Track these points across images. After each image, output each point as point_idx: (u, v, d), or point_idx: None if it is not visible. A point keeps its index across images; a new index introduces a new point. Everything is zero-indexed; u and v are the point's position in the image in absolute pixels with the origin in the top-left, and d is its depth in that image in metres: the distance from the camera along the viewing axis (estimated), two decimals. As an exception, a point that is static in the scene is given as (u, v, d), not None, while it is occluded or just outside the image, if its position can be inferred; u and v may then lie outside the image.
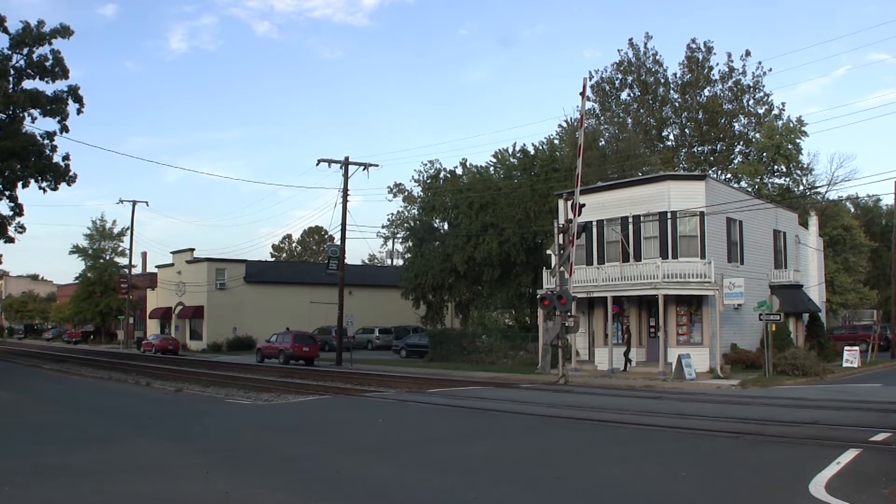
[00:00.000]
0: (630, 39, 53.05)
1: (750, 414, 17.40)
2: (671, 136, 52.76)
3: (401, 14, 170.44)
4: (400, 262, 64.85)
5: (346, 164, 42.27)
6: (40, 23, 37.78)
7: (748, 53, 52.45)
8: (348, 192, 42.50)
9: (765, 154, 46.70)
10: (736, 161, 50.38)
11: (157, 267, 69.10)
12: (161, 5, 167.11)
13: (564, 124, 48.16)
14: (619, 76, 51.82)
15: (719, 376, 28.64)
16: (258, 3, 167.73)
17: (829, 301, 46.93)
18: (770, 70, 57.05)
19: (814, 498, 9.10)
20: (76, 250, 71.06)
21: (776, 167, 47.16)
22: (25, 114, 38.94)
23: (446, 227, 48.61)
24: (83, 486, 10.16)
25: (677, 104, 51.45)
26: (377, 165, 44.35)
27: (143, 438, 14.77)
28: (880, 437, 13.54)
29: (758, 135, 48.77)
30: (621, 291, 31.51)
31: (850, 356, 32.28)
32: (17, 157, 37.51)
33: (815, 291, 40.17)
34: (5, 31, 37.42)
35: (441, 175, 48.82)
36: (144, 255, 78.98)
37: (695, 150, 50.48)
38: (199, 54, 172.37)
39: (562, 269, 28.06)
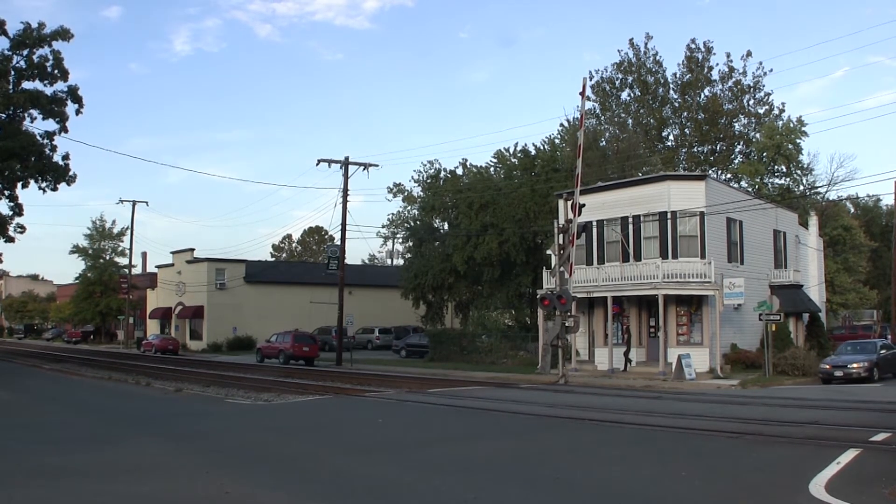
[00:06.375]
0: (630, 39, 53.10)
1: (750, 414, 17.40)
2: (671, 137, 52.75)
3: (401, 17, 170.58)
4: (400, 262, 64.84)
5: (346, 164, 42.25)
6: (41, 24, 37.76)
7: (749, 54, 52.36)
8: (348, 192, 42.51)
9: (765, 154, 46.69)
10: (736, 161, 50.36)
11: (157, 267, 69.09)
12: (165, 8, 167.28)
13: (566, 124, 48.14)
14: (620, 76, 51.78)
15: (719, 376, 28.64)
16: (260, 6, 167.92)
17: (829, 301, 46.92)
18: (770, 70, 57.01)
19: (814, 498, 9.09)
20: (76, 250, 71.03)
21: (776, 167, 47.16)
22: (25, 114, 38.93)
23: (446, 227, 48.59)
24: (83, 487, 10.16)
25: (677, 104, 51.42)
26: (377, 165, 44.36)
27: (142, 438, 14.77)
28: (880, 437, 13.53)
29: (758, 135, 48.76)
30: (621, 291, 31.50)
31: (850, 356, 32.23)
32: (17, 157, 37.46)
33: (815, 291, 40.16)
34: (4, 33, 37.40)
35: (441, 175, 48.81)
36: (144, 255, 79.07)
37: (695, 150, 50.46)
38: (202, 56, 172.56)
39: (562, 269, 28.05)
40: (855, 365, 26.85)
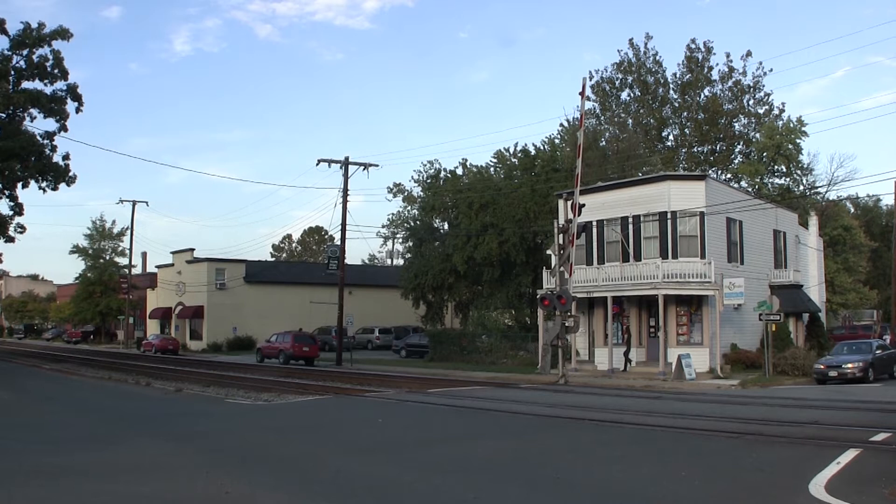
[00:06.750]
0: (630, 39, 53.04)
1: (750, 414, 17.40)
2: (671, 137, 52.74)
3: (401, 17, 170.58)
4: (400, 262, 64.85)
5: (346, 164, 42.25)
6: (40, 24, 37.82)
7: (749, 54, 52.33)
8: (348, 192, 42.51)
9: (765, 154, 46.70)
10: (736, 161, 50.35)
11: (157, 267, 69.10)
12: (165, 8, 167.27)
13: (566, 123, 48.16)
14: (620, 76, 51.76)
15: (719, 376, 28.64)
16: (260, 6, 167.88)
17: (829, 301, 46.91)
18: (770, 70, 56.98)
19: (814, 498, 9.09)
20: (76, 250, 71.03)
21: (776, 167, 47.16)
22: (25, 114, 38.96)
23: (446, 227, 48.61)
24: (83, 487, 10.16)
25: (677, 104, 51.41)
26: (377, 165, 44.38)
27: (142, 438, 14.77)
28: (880, 437, 13.53)
29: (758, 135, 48.75)
30: (621, 291, 31.50)
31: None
32: (17, 157, 37.49)
33: (815, 291, 40.17)
34: (4, 32, 37.42)
35: (441, 175, 48.83)
36: (144, 255, 79.04)
37: (695, 150, 50.44)
38: (202, 56, 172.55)
39: (562, 269, 28.05)
40: (850, 365, 26.65)
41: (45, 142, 39.20)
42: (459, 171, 48.31)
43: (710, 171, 45.39)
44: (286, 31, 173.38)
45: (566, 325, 27.34)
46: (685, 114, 51.02)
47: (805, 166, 47.89)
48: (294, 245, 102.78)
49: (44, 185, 39.75)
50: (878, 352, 28.50)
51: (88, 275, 71.20)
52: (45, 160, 39.21)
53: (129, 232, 67.36)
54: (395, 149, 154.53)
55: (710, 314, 30.17)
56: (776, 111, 49.94)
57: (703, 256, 30.51)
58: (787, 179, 47.98)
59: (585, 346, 34.58)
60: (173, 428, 16.60)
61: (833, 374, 26.75)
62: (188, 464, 11.92)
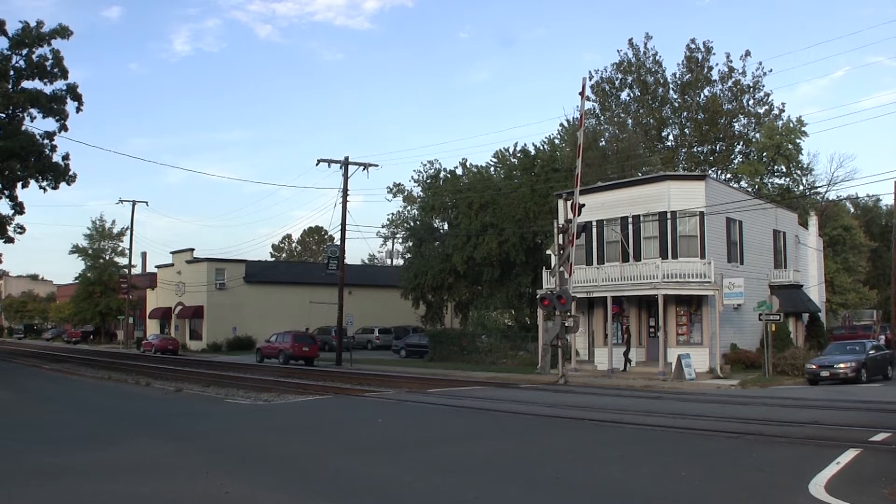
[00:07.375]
0: (630, 39, 52.96)
1: (750, 414, 17.40)
2: (671, 137, 52.73)
3: (401, 17, 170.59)
4: (400, 262, 64.87)
5: (345, 164, 42.25)
6: (39, 23, 37.77)
7: (748, 54, 52.29)
8: (348, 192, 42.51)
9: (765, 154, 46.70)
10: (736, 161, 50.34)
11: (156, 267, 69.12)
12: (165, 8, 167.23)
13: (565, 124, 48.16)
14: (619, 76, 51.75)
15: (719, 376, 28.65)
16: (260, 6, 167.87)
17: (829, 301, 46.91)
18: (770, 71, 56.99)
19: (814, 498, 9.09)
20: (76, 250, 71.04)
21: (776, 167, 47.16)
22: (25, 114, 38.94)
23: (446, 227, 48.63)
24: (83, 487, 10.16)
25: (677, 104, 51.41)
26: (377, 165, 44.42)
27: (142, 438, 14.77)
28: (880, 437, 13.53)
29: (758, 135, 48.75)
30: (621, 291, 31.51)
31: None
32: (17, 157, 37.47)
33: (815, 291, 40.17)
34: (4, 33, 37.38)
35: (441, 175, 48.86)
36: (144, 255, 79.06)
37: (695, 150, 50.44)
38: (202, 56, 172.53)
39: (561, 269, 28.05)
40: (842, 365, 26.38)
41: (45, 142, 39.20)
42: (459, 171, 48.36)
43: (709, 171, 45.36)
44: (286, 32, 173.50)
45: (566, 325, 27.35)
46: (685, 114, 51.00)
47: (805, 166, 47.94)
48: (294, 245, 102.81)
49: (44, 184, 39.74)
50: (871, 352, 28.25)
51: (88, 275, 71.20)
52: (45, 160, 39.20)
53: (128, 232, 67.49)
54: (395, 149, 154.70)
55: (709, 314, 30.17)
56: (776, 111, 49.98)
57: (702, 256, 30.52)
58: (787, 179, 48.01)
59: (585, 346, 34.58)
60: (173, 428, 16.60)
61: (825, 374, 26.53)
62: (188, 464, 11.92)
